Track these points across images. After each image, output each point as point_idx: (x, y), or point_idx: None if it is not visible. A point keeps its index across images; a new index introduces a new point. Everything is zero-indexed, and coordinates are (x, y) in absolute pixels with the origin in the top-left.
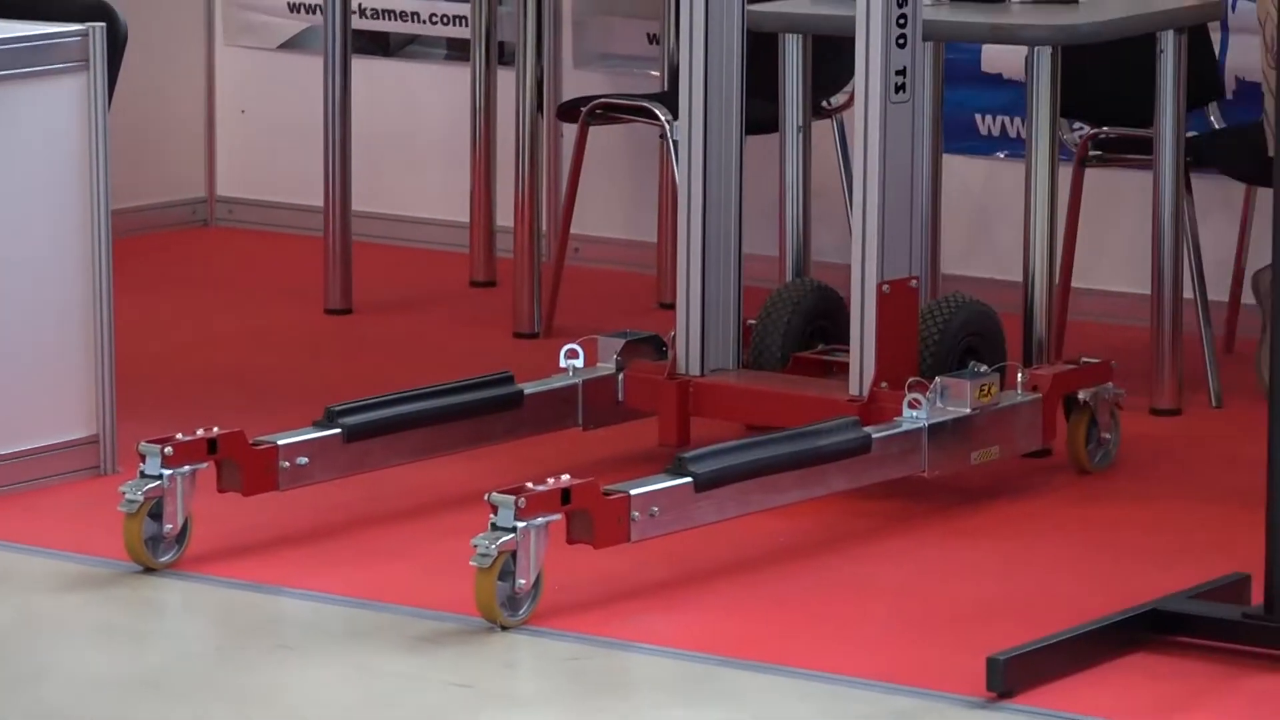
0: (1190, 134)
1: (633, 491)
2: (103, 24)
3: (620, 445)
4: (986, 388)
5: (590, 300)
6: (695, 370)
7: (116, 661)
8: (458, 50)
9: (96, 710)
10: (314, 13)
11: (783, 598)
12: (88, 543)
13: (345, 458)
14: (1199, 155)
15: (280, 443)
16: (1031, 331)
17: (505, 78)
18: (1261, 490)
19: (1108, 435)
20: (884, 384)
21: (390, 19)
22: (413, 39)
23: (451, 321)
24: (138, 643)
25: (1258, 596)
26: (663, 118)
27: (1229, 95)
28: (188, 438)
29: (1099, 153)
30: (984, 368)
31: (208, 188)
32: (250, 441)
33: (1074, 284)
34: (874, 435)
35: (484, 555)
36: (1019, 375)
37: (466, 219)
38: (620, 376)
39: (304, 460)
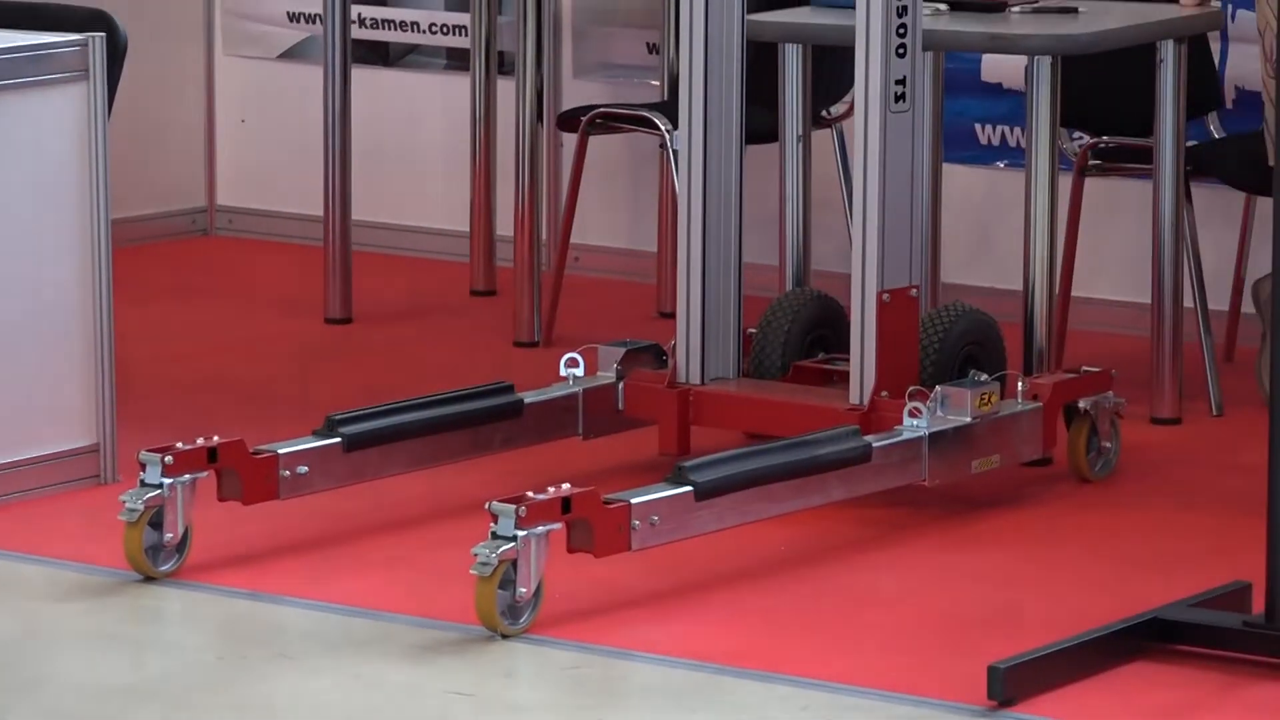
0: (1190, 143)
1: (633, 500)
2: (102, 34)
3: (620, 454)
4: (987, 396)
5: (590, 309)
6: (695, 379)
7: (116, 670)
8: (458, 60)
9: (96, 719)
10: (314, 23)
11: (783, 607)
12: (88, 552)
13: (345, 467)
14: (1199, 164)
15: (280, 452)
16: (1032, 340)
17: (505, 87)
18: (1262, 499)
19: (1108, 444)
20: (884, 393)
21: (390, 29)
22: (413, 49)
23: (451, 331)
24: (138, 652)
25: (1258, 605)
26: (662, 127)
27: (1229, 104)
28: (188, 447)
29: (1099, 162)
30: (984, 376)
31: (208, 197)
32: (250, 450)
33: (1074, 293)
34: (874, 444)
35: (484, 564)
36: (1019, 384)
37: (466, 228)
38: (620, 385)
39: (304, 469)
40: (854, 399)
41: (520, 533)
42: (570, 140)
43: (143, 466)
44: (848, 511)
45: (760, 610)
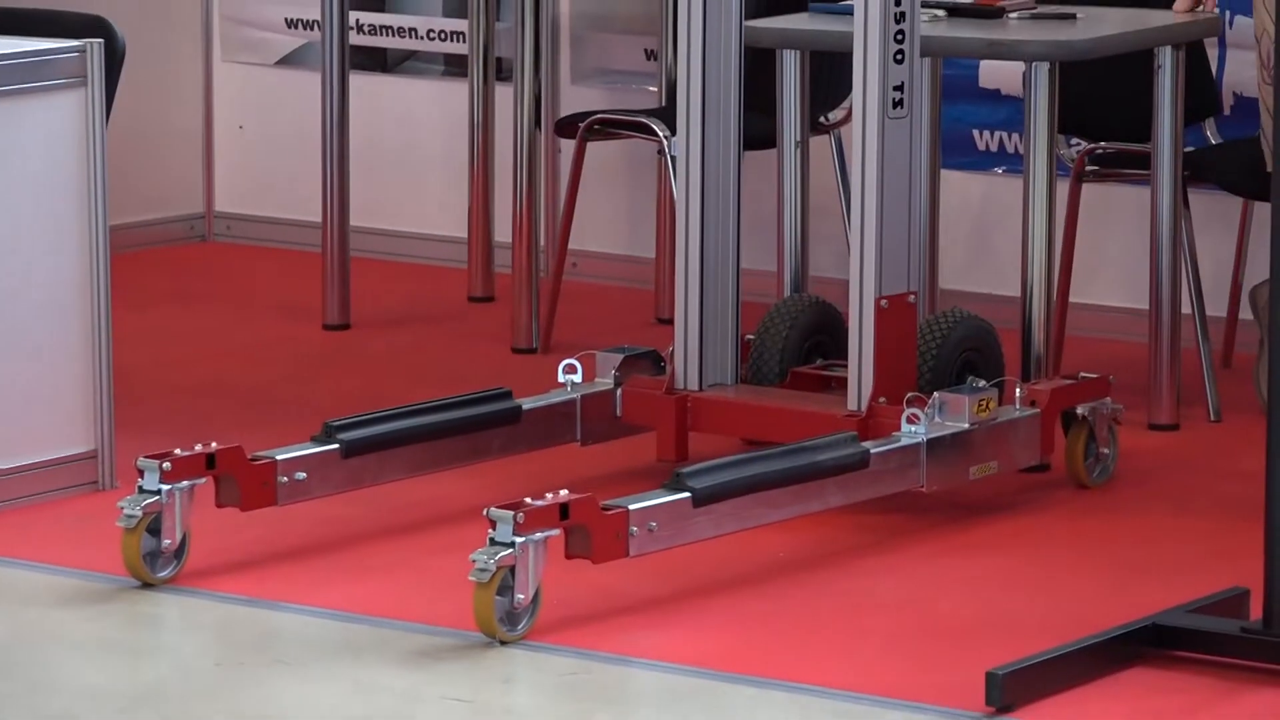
0: (1188, 149)
1: (631, 507)
2: (101, 40)
3: (618, 460)
4: (985, 403)
5: (588, 315)
6: (693, 385)
7: (114, 676)
8: (456, 66)
9: None
10: (312, 29)
11: (781, 613)
12: (86, 558)
13: (343, 473)
14: (1196, 170)
15: (278, 458)
16: (1030, 346)
17: (503, 93)
18: (1260, 504)
19: (1106, 450)
20: (882, 399)
21: (388, 35)
22: (411, 55)
23: (450, 337)
24: (135, 658)
25: (1256, 611)
26: (661, 133)
27: (1226, 111)
28: (186, 453)
29: (1096, 168)
30: (982, 383)
31: (206, 203)
32: (249, 457)
33: (1072, 299)
34: (872, 450)
35: (482, 570)
36: (1017, 390)
37: (465, 234)
38: (618, 392)
39: (302, 475)
40: (852, 405)
41: (518, 539)
42: (568, 146)
43: (141, 473)
44: (846, 517)
45: (758, 616)
